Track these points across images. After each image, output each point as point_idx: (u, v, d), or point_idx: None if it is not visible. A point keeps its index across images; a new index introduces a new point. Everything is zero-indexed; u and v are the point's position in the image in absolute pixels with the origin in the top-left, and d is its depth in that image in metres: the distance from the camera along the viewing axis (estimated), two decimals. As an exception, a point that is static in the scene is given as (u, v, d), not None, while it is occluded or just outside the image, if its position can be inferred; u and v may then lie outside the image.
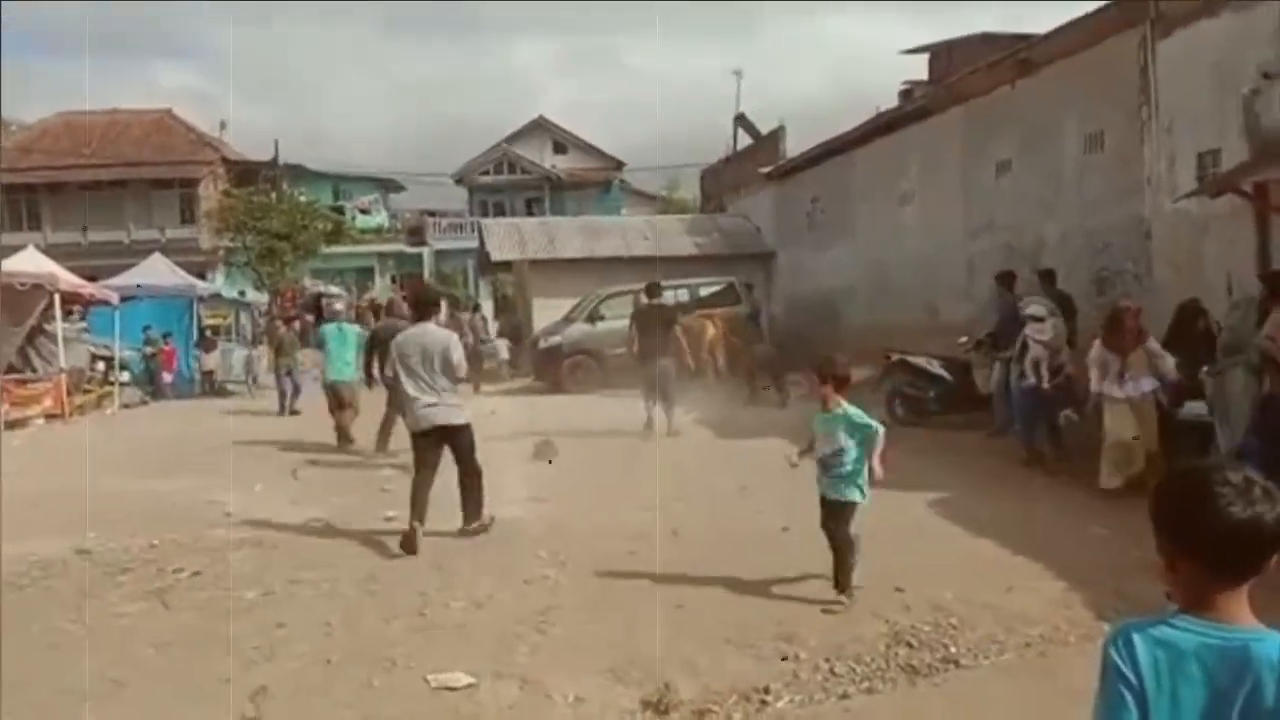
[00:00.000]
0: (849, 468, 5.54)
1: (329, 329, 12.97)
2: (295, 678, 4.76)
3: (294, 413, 16.04)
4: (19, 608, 6.19)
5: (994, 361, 11.04)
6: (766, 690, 4.50)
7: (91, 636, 5.61)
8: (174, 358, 20.46)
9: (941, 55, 20.38)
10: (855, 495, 5.58)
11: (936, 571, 6.09)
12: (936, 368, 12.29)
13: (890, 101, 20.74)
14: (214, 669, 4.93)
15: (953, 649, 4.92)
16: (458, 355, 7.37)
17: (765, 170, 24.60)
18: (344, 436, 12.10)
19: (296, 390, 16.44)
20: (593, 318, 19.45)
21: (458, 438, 7.37)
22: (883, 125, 18.95)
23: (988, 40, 17.66)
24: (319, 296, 34.74)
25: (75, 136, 39.33)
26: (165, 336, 20.37)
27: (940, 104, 16.75)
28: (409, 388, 7.29)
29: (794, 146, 24.59)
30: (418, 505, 7.14)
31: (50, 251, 21.01)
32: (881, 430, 5.58)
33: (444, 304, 9.00)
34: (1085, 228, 12.90)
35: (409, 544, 6.96)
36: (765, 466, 9.89)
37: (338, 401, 12.27)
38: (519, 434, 12.05)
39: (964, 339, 12.50)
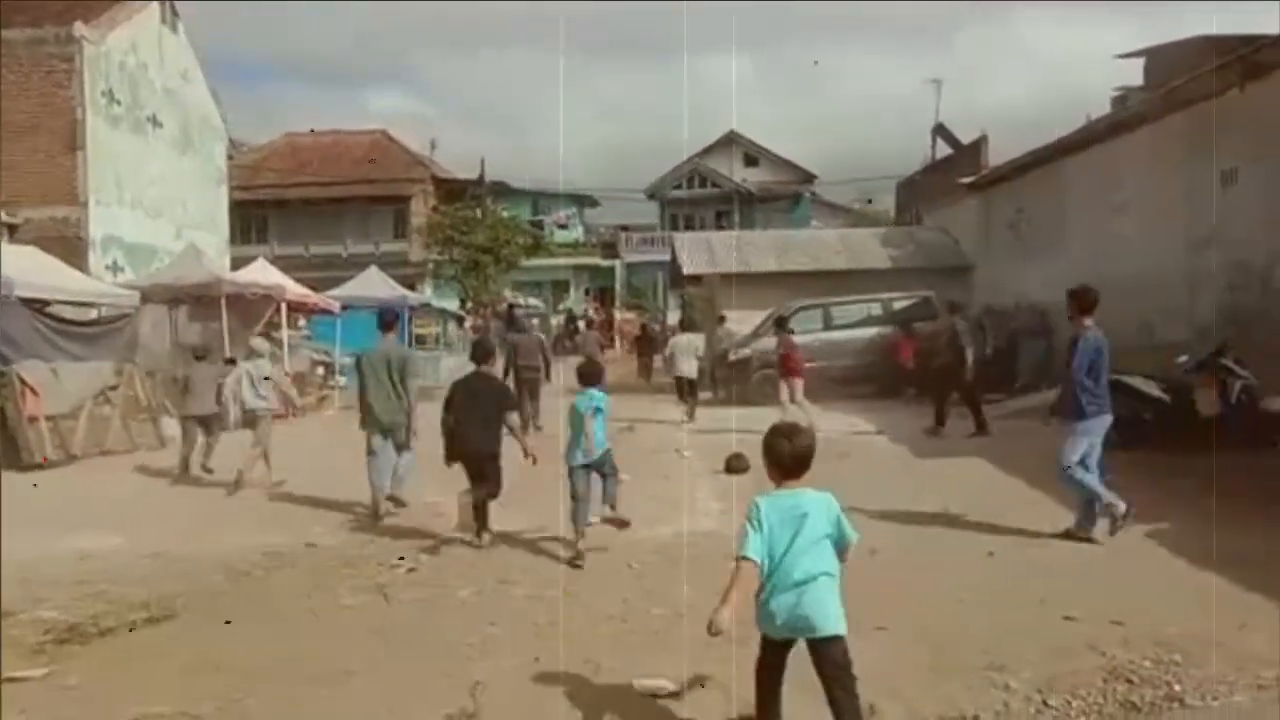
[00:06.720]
0: None
1: None
2: (508, 675, 4.97)
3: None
4: (253, 594, 6.74)
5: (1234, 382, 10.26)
6: (976, 719, 4.39)
7: (321, 625, 6.04)
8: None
9: (1159, 59, 19.29)
10: None
11: (1158, 605, 5.77)
12: (1155, 389, 11.52)
13: (1100, 108, 19.79)
14: (433, 663, 5.22)
15: (1176, 687, 4.65)
16: None
17: (967, 180, 23.83)
18: None
19: None
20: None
21: None
22: (1094, 133, 18.08)
23: (1210, 43, 16.58)
24: (511, 306, 36.14)
25: (299, 157, 42.38)
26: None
27: (1159, 110, 15.84)
28: None
29: (995, 156, 23.80)
30: None
31: (276, 263, 22.70)
32: None
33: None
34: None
35: None
36: (967, 488, 9.66)
37: None
38: (712, 446, 12.14)
39: (1184, 358, 11.72)
